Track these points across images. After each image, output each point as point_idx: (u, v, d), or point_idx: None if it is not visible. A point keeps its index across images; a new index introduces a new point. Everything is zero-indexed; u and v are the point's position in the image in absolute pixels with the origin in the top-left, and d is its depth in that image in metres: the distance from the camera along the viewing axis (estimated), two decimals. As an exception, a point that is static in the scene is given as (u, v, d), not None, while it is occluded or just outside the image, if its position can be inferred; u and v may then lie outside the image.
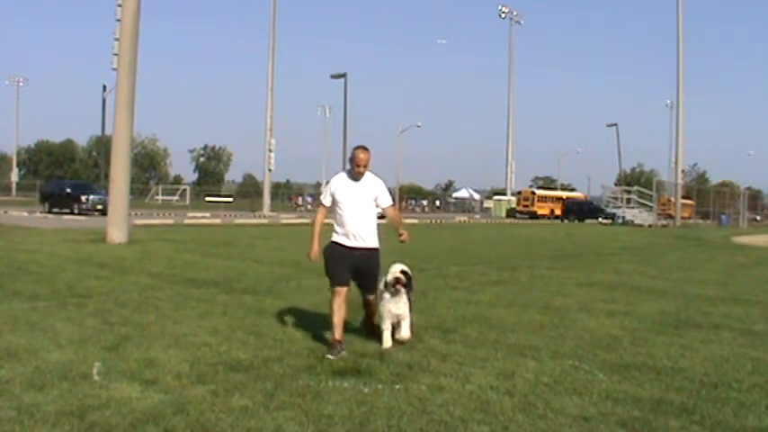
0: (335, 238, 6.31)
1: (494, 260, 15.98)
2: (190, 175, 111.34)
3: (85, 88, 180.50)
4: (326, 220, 6.45)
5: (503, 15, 75.22)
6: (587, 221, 55.16)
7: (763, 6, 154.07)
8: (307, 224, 36.88)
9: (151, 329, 6.82)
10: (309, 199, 74.09)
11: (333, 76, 56.96)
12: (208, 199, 75.43)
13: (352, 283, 6.41)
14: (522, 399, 4.85)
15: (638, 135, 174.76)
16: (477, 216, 69.50)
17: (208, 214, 41.33)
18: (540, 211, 64.39)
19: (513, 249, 20.64)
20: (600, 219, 54.71)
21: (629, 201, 54.79)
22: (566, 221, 56.16)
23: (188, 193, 74.13)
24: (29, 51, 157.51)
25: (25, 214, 34.44)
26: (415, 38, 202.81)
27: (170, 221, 32.16)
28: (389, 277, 6.32)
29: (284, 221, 36.54)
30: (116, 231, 17.75)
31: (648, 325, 7.85)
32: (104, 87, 48.95)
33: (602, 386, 5.22)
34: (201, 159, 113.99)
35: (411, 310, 6.47)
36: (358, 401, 4.68)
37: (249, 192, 77.88)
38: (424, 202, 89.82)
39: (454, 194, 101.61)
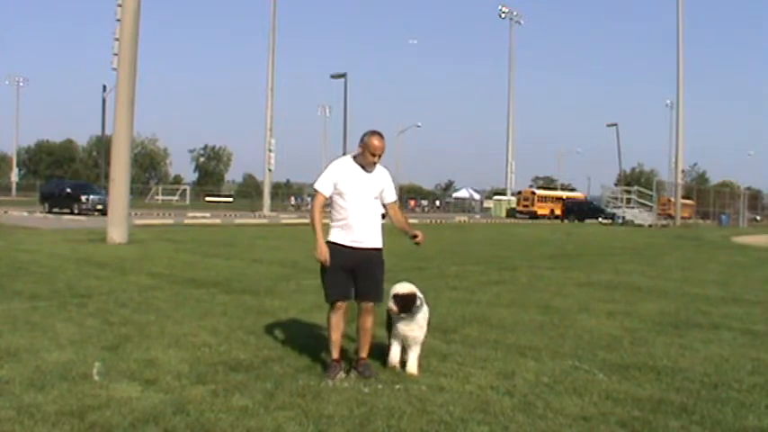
0: (334, 236, 5.41)
1: (494, 260, 15.98)
2: (190, 175, 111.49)
3: (85, 88, 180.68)
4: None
5: (503, 15, 75.19)
6: (587, 221, 55.14)
7: (763, 6, 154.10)
8: (305, 224, 36.86)
9: (151, 329, 6.81)
10: (309, 199, 74.08)
11: (333, 76, 56.98)
12: (208, 199, 75.48)
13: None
14: (522, 399, 4.85)
15: (638, 135, 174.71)
16: (477, 216, 69.47)
17: (208, 214, 41.33)
18: (540, 211, 64.39)
19: (513, 249, 20.63)
20: (600, 219, 54.70)
21: (629, 201, 54.76)
22: (566, 221, 56.15)
23: (188, 193, 74.18)
24: (29, 51, 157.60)
25: (25, 214, 34.44)
26: (415, 38, 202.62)
27: (170, 221, 32.16)
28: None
29: (284, 221, 36.53)
30: (116, 231, 17.76)
31: (648, 325, 7.84)
32: (104, 87, 48.98)
33: (602, 386, 5.21)
34: (201, 159, 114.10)
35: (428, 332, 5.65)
36: (358, 401, 4.68)
37: (249, 192, 77.89)
38: (424, 202, 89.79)
39: (454, 194, 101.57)
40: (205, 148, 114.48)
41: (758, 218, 67.04)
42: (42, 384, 4.87)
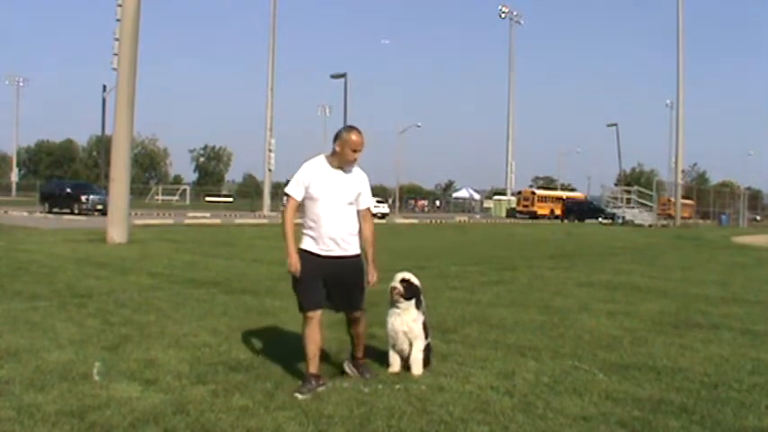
0: (306, 244, 5.04)
1: (494, 260, 15.98)
2: (190, 175, 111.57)
3: (85, 88, 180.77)
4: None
5: (503, 15, 75.31)
6: (587, 221, 55.16)
7: (763, 6, 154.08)
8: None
9: (151, 329, 6.81)
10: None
11: (333, 76, 56.96)
12: (208, 199, 75.55)
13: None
14: (522, 399, 4.85)
15: (638, 135, 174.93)
16: (477, 216, 69.50)
17: (208, 214, 41.34)
18: (540, 211, 64.45)
19: (513, 249, 20.63)
20: (600, 219, 54.73)
21: (629, 201, 54.79)
22: (566, 221, 56.15)
23: (188, 193, 74.18)
24: (29, 51, 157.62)
25: (25, 214, 34.46)
26: (415, 38, 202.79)
27: (170, 221, 32.17)
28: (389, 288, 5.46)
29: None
30: (116, 231, 17.76)
31: (648, 325, 7.84)
32: (104, 87, 48.96)
33: (602, 386, 5.21)
34: (201, 159, 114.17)
35: (427, 333, 5.49)
36: (358, 401, 4.68)
37: (249, 192, 77.89)
38: (424, 202, 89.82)
39: (454, 194, 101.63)
40: (205, 148, 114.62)
41: (758, 218, 67.09)
42: (42, 384, 4.87)
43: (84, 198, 36.84)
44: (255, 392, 4.81)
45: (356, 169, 5.14)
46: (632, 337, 7.12)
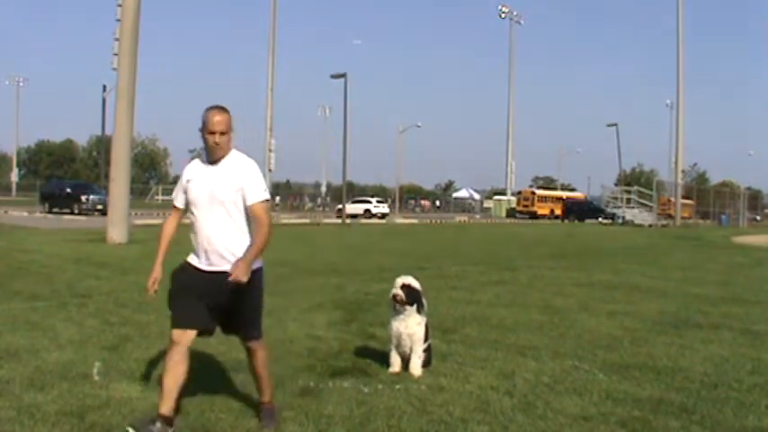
0: (190, 257, 4.22)
1: (494, 260, 15.98)
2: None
3: (85, 88, 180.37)
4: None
5: (503, 15, 75.25)
6: (587, 221, 55.16)
7: (763, 6, 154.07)
8: (305, 224, 37.00)
9: (151, 329, 6.81)
10: (307, 200, 74.18)
11: (333, 76, 56.82)
12: (208, 199, 75.28)
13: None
14: (522, 399, 4.85)
15: (638, 135, 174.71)
16: (477, 216, 69.53)
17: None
18: (540, 211, 64.43)
19: (513, 249, 20.64)
20: (600, 219, 54.73)
21: (629, 201, 54.80)
22: (566, 221, 56.16)
23: (188, 193, 73.93)
24: (29, 51, 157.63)
25: (25, 214, 34.47)
26: (415, 38, 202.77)
27: (170, 221, 32.09)
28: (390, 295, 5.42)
29: (284, 221, 36.53)
30: (116, 231, 17.76)
31: (648, 325, 7.84)
32: (104, 87, 48.87)
33: (602, 386, 5.21)
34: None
35: (428, 335, 5.48)
36: (358, 401, 4.68)
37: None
38: (428, 202, 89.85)
39: (454, 194, 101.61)
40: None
41: (758, 218, 67.08)
42: (42, 384, 4.87)
43: (84, 198, 36.86)
44: (255, 392, 4.81)
45: (236, 159, 4.12)
46: (632, 337, 7.13)
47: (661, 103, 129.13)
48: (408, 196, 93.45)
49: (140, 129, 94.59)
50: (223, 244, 4.06)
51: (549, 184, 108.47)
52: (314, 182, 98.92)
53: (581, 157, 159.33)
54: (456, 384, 5.16)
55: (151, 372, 5.23)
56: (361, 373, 5.43)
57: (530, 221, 55.06)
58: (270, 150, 53.47)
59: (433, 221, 44.30)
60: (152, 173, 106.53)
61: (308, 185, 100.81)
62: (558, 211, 63.57)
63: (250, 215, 4.06)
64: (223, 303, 4.04)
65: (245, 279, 3.88)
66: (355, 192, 74.97)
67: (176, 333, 4.00)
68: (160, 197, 73.04)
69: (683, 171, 61.14)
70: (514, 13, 75.79)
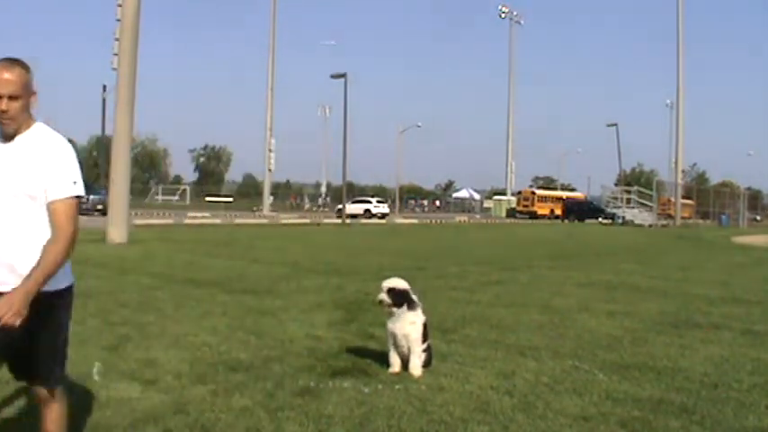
0: None
1: (494, 260, 15.98)
2: (190, 175, 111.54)
3: (85, 88, 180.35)
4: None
5: (503, 15, 75.38)
6: (587, 221, 55.19)
7: (763, 6, 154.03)
8: (305, 224, 37.00)
9: (151, 329, 6.81)
10: (307, 199, 74.19)
11: (333, 76, 56.87)
12: (208, 199, 75.54)
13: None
14: (522, 399, 4.85)
15: (638, 135, 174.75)
16: (478, 216, 69.54)
17: (208, 214, 41.36)
18: (540, 211, 64.46)
19: (513, 249, 20.64)
20: (600, 219, 54.76)
21: (629, 201, 54.86)
22: (566, 221, 56.18)
23: (188, 193, 74.23)
24: (29, 51, 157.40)
25: (25, 214, 34.37)
26: (415, 38, 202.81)
27: (170, 221, 32.20)
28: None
29: (284, 221, 36.55)
30: (116, 231, 17.78)
31: (648, 325, 7.84)
32: (104, 87, 49.05)
33: (602, 386, 5.21)
34: (201, 159, 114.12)
35: (427, 334, 5.45)
36: (358, 401, 4.68)
37: (249, 192, 77.94)
38: (425, 202, 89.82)
39: (454, 194, 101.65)
40: (205, 148, 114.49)
41: (758, 218, 67.16)
42: (42, 384, 4.86)
43: (84, 198, 36.83)
44: (255, 392, 4.81)
45: (39, 136, 2.98)
46: (632, 337, 7.13)
47: (661, 103, 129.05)
48: (408, 196, 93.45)
49: (140, 129, 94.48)
50: (15, 254, 2.88)
51: (549, 184, 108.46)
52: (314, 182, 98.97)
53: (581, 157, 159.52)
54: (456, 384, 5.15)
55: (151, 372, 5.23)
56: (361, 373, 5.42)
57: (530, 221, 55.08)
58: (270, 150, 53.61)
59: (433, 221, 44.31)
60: (152, 173, 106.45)
61: (308, 185, 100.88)
62: (558, 212, 63.61)
63: (50, 212, 2.92)
64: (8, 338, 2.78)
65: (17, 320, 2.71)
66: (355, 192, 74.99)
67: None
68: (160, 197, 73.18)
69: (683, 171, 61.23)
70: (514, 13, 75.94)
